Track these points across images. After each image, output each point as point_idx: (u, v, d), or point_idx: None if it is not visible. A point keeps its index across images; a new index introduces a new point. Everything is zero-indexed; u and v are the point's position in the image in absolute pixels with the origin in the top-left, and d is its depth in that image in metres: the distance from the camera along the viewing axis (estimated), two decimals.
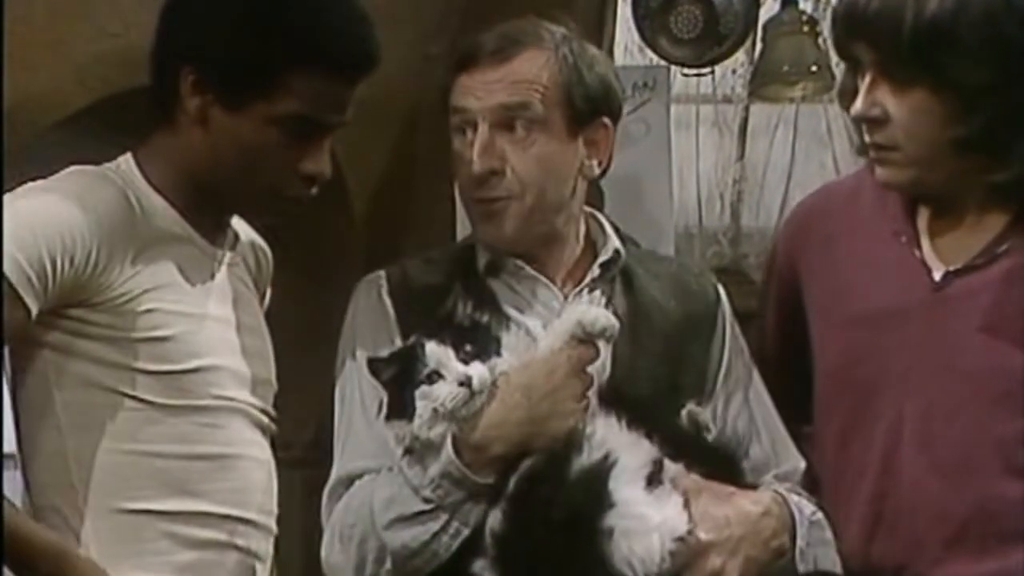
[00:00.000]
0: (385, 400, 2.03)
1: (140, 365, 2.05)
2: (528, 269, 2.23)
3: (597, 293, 2.24)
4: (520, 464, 2.01)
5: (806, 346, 2.31)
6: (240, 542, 2.12)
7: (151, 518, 2.06)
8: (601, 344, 2.09)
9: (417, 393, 1.98)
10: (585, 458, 1.99)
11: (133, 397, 2.05)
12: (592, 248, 2.28)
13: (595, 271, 2.25)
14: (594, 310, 2.09)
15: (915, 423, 2.14)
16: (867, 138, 2.15)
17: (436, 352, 1.98)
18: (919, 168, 2.13)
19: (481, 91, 2.18)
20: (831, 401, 2.25)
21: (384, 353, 2.07)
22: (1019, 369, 2.10)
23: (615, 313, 2.16)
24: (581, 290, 2.23)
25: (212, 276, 2.15)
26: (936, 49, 2.04)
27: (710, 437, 2.15)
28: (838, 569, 2.13)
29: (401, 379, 2.00)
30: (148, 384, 2.05)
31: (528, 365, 2.06)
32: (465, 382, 1.97)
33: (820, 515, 2.14)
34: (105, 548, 2.03)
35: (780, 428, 2.27)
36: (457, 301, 2.18)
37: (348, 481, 2.14)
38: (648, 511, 1.96)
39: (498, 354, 2.03)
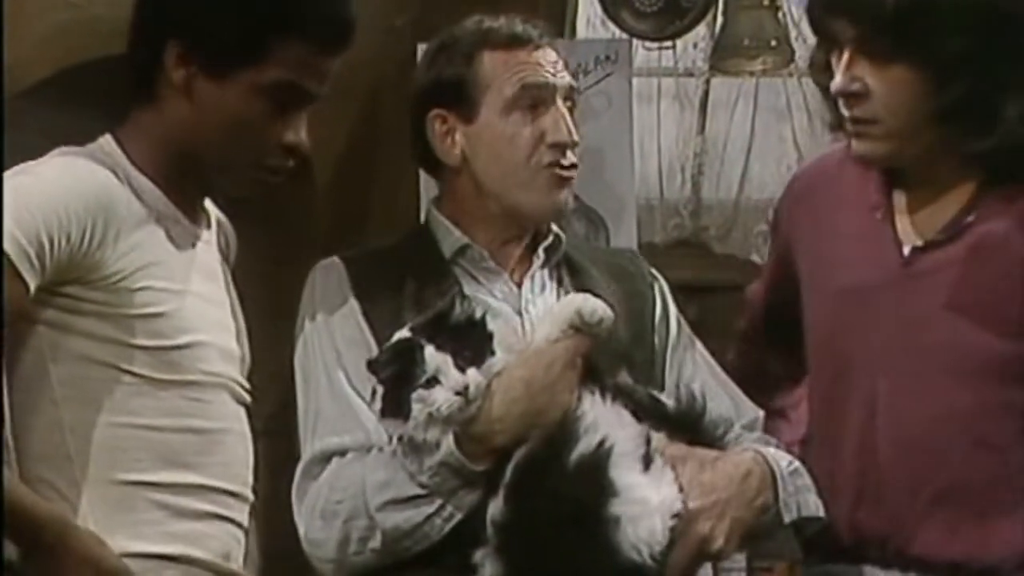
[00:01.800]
0: (380, 395, 2.05)
1: (134, 341, 2.07)
2: (489, 261, 2.26)
3: (545, 274, 2.28)
4: (515, 451, 2.03)
5: (793, 316, 2.34)
6: (227, 513, 2.15)
7: (145, 489, 2.08)
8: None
9: (414, 396, 2.00)
10: (582, 445, 2.00)
11: (128, 372, 2.08)
12: (535, 233, 2.32)
13: (540, 255, 2.29)
14: (592, 301, 2.11)
15: (887, 399, 2.16)
16: (846, 112, 2.16)
17: (435, 358, 2.00)
18: (898, 140, 2.14)
19: (552, 69, 2.26)
20: (817, 372, 2.29)
21: (382, 349, 2.09)
22: (984, 344, 2.12)
23: (565, 294, 2.22)
24: (532, 275, 2.27)
25: (194, 254, 2.18)
26: (919, 21, 2.05)
27: (673, 405, 2.18)
28: (821, 512, 2.17)
29: (399, 379, 2.03)
30: (142, 359, 2.08)
31: (527, 358, 2.08)
32: (462, 391, 2.00)
33: (797, 463, 2.18)
34: (100, 518, 2.05)
35: (732, 384, 2.33)
36: (428, 293, 2.20)
37: (324, 458, 2.16)
38: (648, 493, 1.98)
39: (492, 353, 2.05)
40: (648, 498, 1.98)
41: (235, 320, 2.25)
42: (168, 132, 2.13)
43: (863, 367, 2.19)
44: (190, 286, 2.14)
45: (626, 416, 2.06)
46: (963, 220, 2.15)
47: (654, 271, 2.41)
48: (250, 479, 2.20)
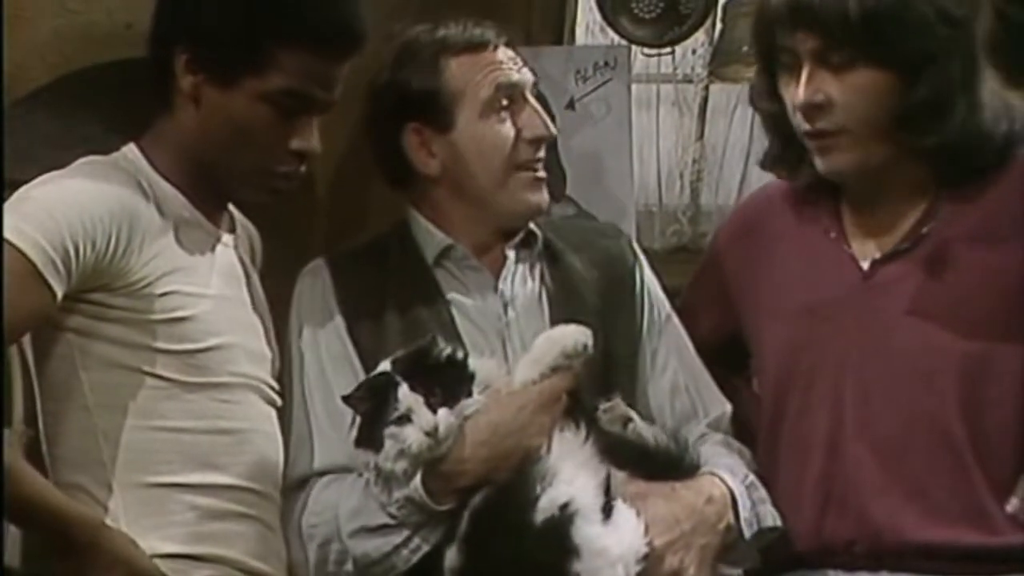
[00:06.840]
0: (357, 425, 2.08)
1: (162, 345, 2.09)
2: (473, 260, 2.26)
3: (525, 269, 2.28)
4: (472, 499, 2.04)
5: (735, 339, 2.38)
6: (256, 513, 2.18)
7: (176, 491, 2.11)
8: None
9: (386, 432, 2.03)
10: (544, 502, 1.99)
11: (157, 376, 2.10)
12: (510, 232, 2.33)
13: (509, 254, 2.28)
14: (572, 335, 2.10)
15: (855, 406, 2.19)
16: (807, 127, 2.18)
17: (407, 398, 2.03)
18: (864, 148, 2.17)
19: (516, 67, 2.28)
20: (778, 391, 2.30)
21: (357, 384, 2.11)
22: (947, 347, 2.15)
23: (547, 290, 2.24)
24: (510, 273, 2.27)
25: (217, 257, 2.20)
26: (883, 26, 2.09)
27: (637, 427, 2.16)
28: (778, 522, 2.19)
29: (373, 414, 2.05)
30: (170, 363, 2.10)
31: (499, 401, 2.08)
32: (431, 432, 2.02)
33: (752, 476, 2.19)
34: (132, 521, 2.08)
35: (704, 375, 2.34)
36: (411, 302, 2.23)
37: (302, 482, 2.20)
38: (608, 543, 1.98)
39: (470, 393, 2.07)
40: (608, 549, 1.97)
41: (262, 321, 2.26)
42: (184, 139, 2.16)
43: (828, 378, 2.22)
44: (214, 289, 2.17)
45: (593, 458, 2.05)
46: (920, 231, 2.20)
47: (634, 246, 2.42)
48: (278, 478, 2.22)
